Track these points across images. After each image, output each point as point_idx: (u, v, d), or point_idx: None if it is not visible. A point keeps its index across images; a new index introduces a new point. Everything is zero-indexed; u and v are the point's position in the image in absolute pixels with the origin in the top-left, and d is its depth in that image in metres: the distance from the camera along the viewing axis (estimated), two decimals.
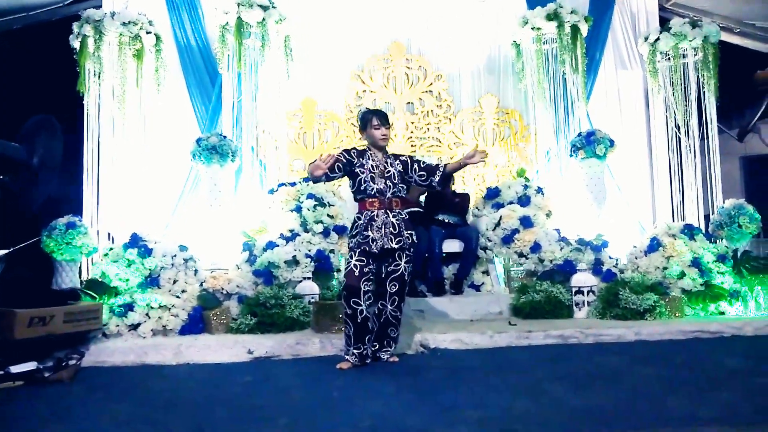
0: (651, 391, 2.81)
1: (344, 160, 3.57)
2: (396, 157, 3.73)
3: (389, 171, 3.63)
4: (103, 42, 5.57)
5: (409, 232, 3.62)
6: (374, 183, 3.58)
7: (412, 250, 3.65)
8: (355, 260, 3.54)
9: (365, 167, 3.60)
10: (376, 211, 3.57)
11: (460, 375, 3.27)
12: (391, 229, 3.56)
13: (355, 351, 3.52)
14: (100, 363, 3.76)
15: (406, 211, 3.80)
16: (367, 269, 3.54)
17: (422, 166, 3.72)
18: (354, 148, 3.70)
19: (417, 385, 3.02)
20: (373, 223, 3.55)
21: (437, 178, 3.69)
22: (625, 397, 2.68)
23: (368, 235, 3.53)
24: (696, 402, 2.57)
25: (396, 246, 3.55)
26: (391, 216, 3.58)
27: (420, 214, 5.53)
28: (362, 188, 3.59)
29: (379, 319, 3.63)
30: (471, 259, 5.53)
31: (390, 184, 3.60)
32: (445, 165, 3.76)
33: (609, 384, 2.96)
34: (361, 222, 3.57)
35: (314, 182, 3.68)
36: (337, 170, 3.54)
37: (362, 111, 3.81)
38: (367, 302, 3.53)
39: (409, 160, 3.72)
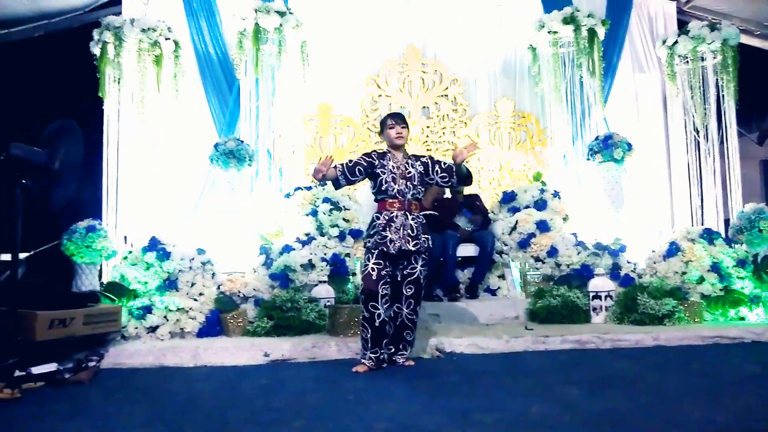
0: (669, 396, 2.78)
1: (365, 163, 3.63)
2: (417, 158, 3.75)
3: (410, 172, 3.64)
4: (123, 48, 5.66)
5: (425, 236, 3.64)
6: (395, 184, 3.59)
7: (427, 254, 3.67)
8: (373, 263, 3.53)
9: (386, 168, 3.62)
10: (395, 212, 3.58)
11: (476, 379, 3.26)
12: (409, 231, 3.56)
13: (371, 355, 3.52)
14: (119, 365, 3.80)
15: (422, 214, 3.79)
16: (384, 272, 3.54)
17: (443, 167, 3.74)
18: (374, 151, 3.74)
19: (432, 389, 3.02)
20: (392, 224, 3.55)
21: (455, 178, 3.72)
22: (642, 403, 2.65)
23: (386, 236, 3.53)
24: (714, 408, 2.54)
25: (413, 249, 3.56)
26: (410, 218, 3.59)
27: (434, 219, 5.52)
28: (383, 189, 3.61)
29: (394, 322, 3.62)
30: (486, 264, 5.52)
31: (410, 185, 3.62)
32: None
33: (626, 389, 2.93)
34: (380, 222, 3.58)
35: (335, 188, 3.72)
36: (357, 173, 3.62)
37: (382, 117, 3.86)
38: (385, 306, 3.52)
39: (430, 161, 3.74)
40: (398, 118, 3.73)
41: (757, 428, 2.29)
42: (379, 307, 3.49)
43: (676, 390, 2.90)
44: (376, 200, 3.71)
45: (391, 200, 3.60)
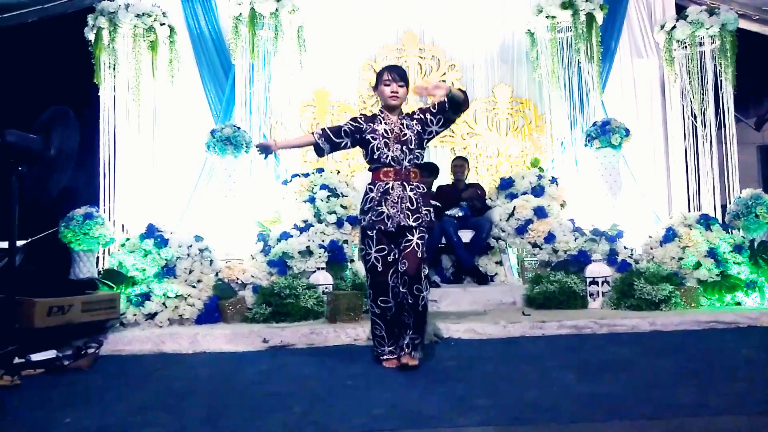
0: (664, 380, 2.80)
1: (350, 128, 3.26)
2: (411, 116, 3.31)
3: (405, 135, 3.22)
4: (118, 34, 5.63)
5: (426, 208, 3.23)
6: (388, 149, 3.19)
7: (426, 227, 3.25)
8: (376, 251, 3.18)
9: (377, 133, 3.22)
10: (391, 182, 3.19)
11: (473, 364, 3.27)
12: (408, 204, 3.17)
13: (390, 349, 3.26)
14: (118, 351, 3.81)
15: None
16: (390, 258, 3.18)
17: (435, 110, 3.28)
18: (362, 115, 3.37)
19: (430, 374, 3.03)
20: (388, 197, 3.17)
21: (450, 112, 3.27)
22: (638, 387, 2.67)
23: (382, 212, 3.16)
24: (709, 392, 2.56)
25: (413, 223, 3.16)
26: (407, 189, 3.19)
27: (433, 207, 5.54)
28: (375, 156, 3.22)
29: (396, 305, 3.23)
30: (477, 247, 5.54)
31: (406, 150, 3.20)
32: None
33: (622, 374, 2.95)
34: (374, 195, 3.20)
35: (319, 154, 3.32)
36: (343, 135, 3.26)
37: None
38: (396, 298, 3.19)
39: (423, 116, 3.29)
40: (395, 73, 3.24)
41: (752, 412, 2.31)
42: (390, 300, 3.19)
43: (671, 374, 2.92)
44: (369, 170, 3.32)
45: (385, 169, 3.20)
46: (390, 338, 3.26)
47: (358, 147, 3.36)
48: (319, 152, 3.32)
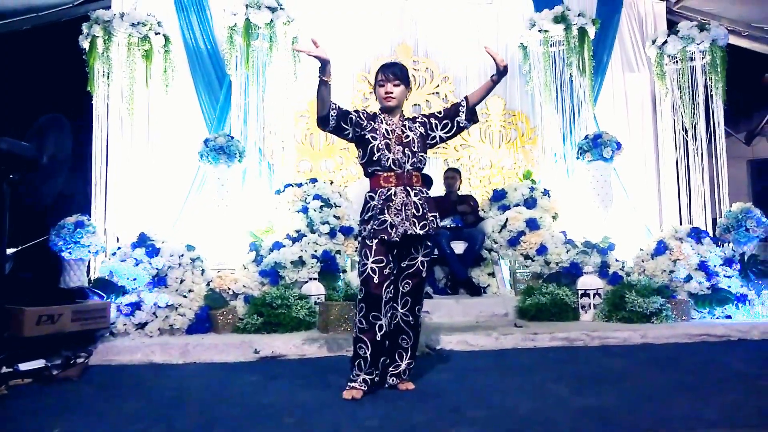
0: (656, 393, 2.81)
1: (354, 119, 2.96)
2: (414, 120, 3.07)
3: (407, 137, 2.97)
4: (112, 43, 5.61)
5: (432, 214, 2.98)
6: (389, 152, 2.92)
7: (432, 239, 3.06)
8: (373, 261, 2.85)
9: (378, 132, 2.96)
10: (393, 188, 2.91)
11: (466, 376, 3.27)
12: (413, 210, 2.91)
13: (366, 377, 2.86)
14: (108, 361, 3.78)
15: None
16: (387, 270, 2.87)
17: (441, 116, 3.09)
18: (364, 110, 3.06)
19: (422, 386, 3.02)
20: (390, 204, 2.89)
21: (463, 117, 3.08)
22: (630, 399, 2.68)
23: (385, 220, 2.86)
24: (701, 404, 2.57)
25: (420, 231, 2.90)
26: (411, 194, 2.93)
27: None
28: (375, 159, 2.93)
29: (388, 326, 2.92)
30: (469, 259, 5.54)
31: (408, 152, 2.94)
32: (466, 97, 3.11)
33: (614, 386, 2.95)
34: (375, 203, 2.91)
35: (321, 123, 2.97)
36: (348, 123, 2.95)
37: None
38: (388, 314, 2.89)
39: (427, 120, 3.08)
40: (389, 72, 2.99)
41: (744, 424, 2.32)
42: (382, 317, 2.84)
43: (663, 387, 2.93)
44: (367, 174, 3.03)
45: (386, 174, 2.92)
46: (372, 365, 2.87)
47: (354, 145, 3.10)
48: (323, 123, 2.96)
